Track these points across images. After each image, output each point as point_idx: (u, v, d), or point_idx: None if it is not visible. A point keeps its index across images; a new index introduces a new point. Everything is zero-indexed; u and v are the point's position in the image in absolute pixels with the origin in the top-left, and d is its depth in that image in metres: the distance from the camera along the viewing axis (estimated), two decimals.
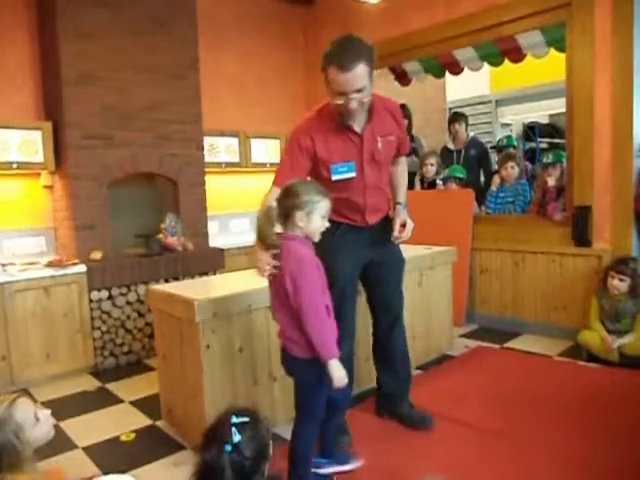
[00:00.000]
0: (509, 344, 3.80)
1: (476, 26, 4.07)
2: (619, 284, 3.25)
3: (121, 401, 3.11)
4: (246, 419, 1.36)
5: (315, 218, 1.92)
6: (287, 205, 1.92)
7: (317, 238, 1.98)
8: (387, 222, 2.46)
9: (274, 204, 1.97)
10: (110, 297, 3.62)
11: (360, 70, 2.04)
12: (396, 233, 2.36)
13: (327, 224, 1.98)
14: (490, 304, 4.26)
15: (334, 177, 2.26)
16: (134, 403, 3.07)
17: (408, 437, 2.46)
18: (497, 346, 3.76)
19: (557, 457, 2.21)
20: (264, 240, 1.93)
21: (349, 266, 2.34)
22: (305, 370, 1.97)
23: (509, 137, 5.25)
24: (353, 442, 2.40)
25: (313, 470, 2.10)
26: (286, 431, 2.53)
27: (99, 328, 3.58)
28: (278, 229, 1.95)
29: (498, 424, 2.53)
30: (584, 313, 3.49)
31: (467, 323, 4.28)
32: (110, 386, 3.35)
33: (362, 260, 2.41)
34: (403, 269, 2.58)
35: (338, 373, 1.87)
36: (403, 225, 2.37)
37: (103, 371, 3.60)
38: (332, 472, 2.18)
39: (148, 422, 2.81)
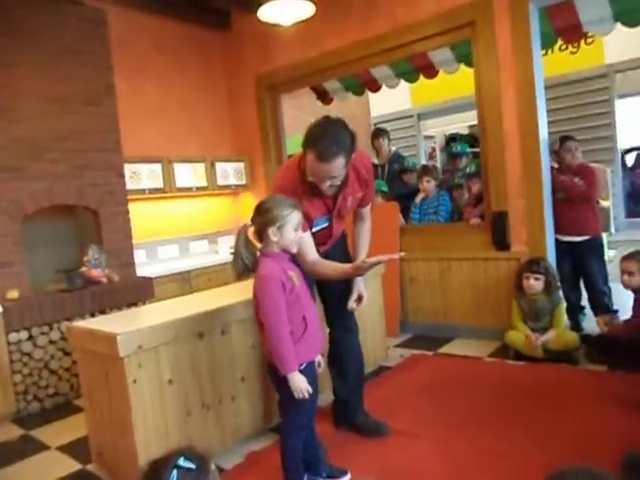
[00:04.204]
0: (442, 350, 3.90)
1: (389, 45, 4.20)
2: (535, 283, 3.41)
3: (47, 447, 2.92)
4: (192, 466, 1.21)
5: (287, 231, 1.97)
6: (260, 222, 1.98)
7: (294, 249, 2.04)
8: (342, 238, 2.60)
9: (248, 223, 2.04)
10: (30, 337, 3.41)
11: (338, 162, 2.08)
12: (351, 304, 2.43)
13: (302, 234, 2.06)
14: (422, 312, 4.36)
15: (314, 229, 2.36)
16: (62, 448, 2.89)
17: (349, 449, 2.46)
18: (431, 353, 3.85)
19: (490, 456, 2.28)
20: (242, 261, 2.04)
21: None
22: (279, 380, 2.01)
23: (463, 145, 5.06)
24: None
25: None
26: (223, 460, 2.49)
27: (20, 372, 3.36)
28: (259, 246, 2.03)
29: (434, 430, 2.58)
30: (510, 313, 3.63)
31: (401, 333, 4.36)
32: (35, 432, 3.14)
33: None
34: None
35: (298, 385, 1.93)
36: (360, 297, 2.44)
37: (27, 417, 3.37)
38: None
39: (77, 467, 2.65)
